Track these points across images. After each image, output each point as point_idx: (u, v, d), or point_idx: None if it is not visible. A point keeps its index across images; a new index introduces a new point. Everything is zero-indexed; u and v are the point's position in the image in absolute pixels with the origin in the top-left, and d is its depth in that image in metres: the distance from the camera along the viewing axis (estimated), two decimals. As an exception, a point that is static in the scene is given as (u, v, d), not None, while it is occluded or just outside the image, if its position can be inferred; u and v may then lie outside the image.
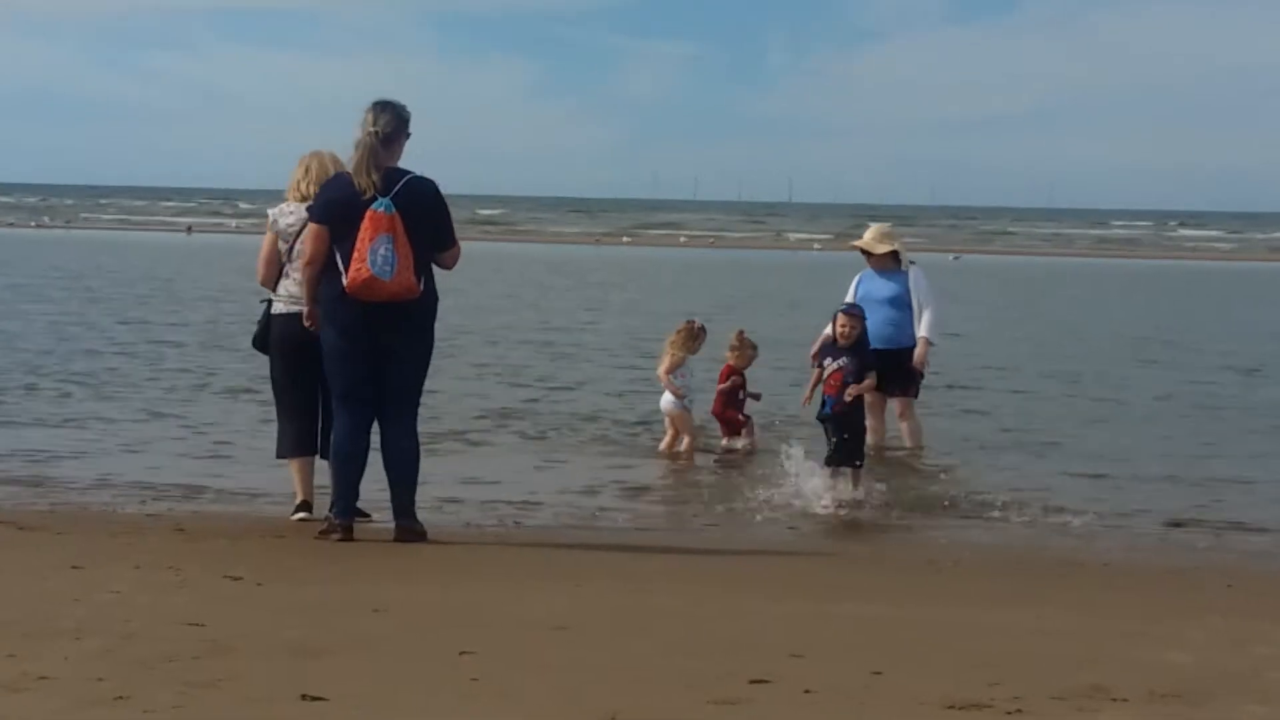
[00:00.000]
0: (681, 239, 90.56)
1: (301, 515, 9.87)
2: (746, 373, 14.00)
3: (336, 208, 9.11)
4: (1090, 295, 42.81)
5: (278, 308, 9.88)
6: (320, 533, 9.33)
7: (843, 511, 10.90)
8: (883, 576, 8.98)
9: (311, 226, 9.24)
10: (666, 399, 13.65)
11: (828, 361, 11.66)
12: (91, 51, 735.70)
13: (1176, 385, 19.52)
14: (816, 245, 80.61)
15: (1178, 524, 10.81)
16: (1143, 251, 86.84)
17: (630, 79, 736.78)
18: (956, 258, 66.84)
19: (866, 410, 13.81)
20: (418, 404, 9.47)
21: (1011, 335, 27.30)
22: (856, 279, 13.99)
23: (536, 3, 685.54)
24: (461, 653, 6.20)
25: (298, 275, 9.50)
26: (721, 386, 13.90)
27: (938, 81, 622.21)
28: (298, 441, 9.98)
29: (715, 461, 13.36)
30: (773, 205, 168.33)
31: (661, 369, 13.73)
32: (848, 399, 11.47)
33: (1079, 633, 7.26)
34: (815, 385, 11.82)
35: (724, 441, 13.85)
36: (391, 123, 9.22)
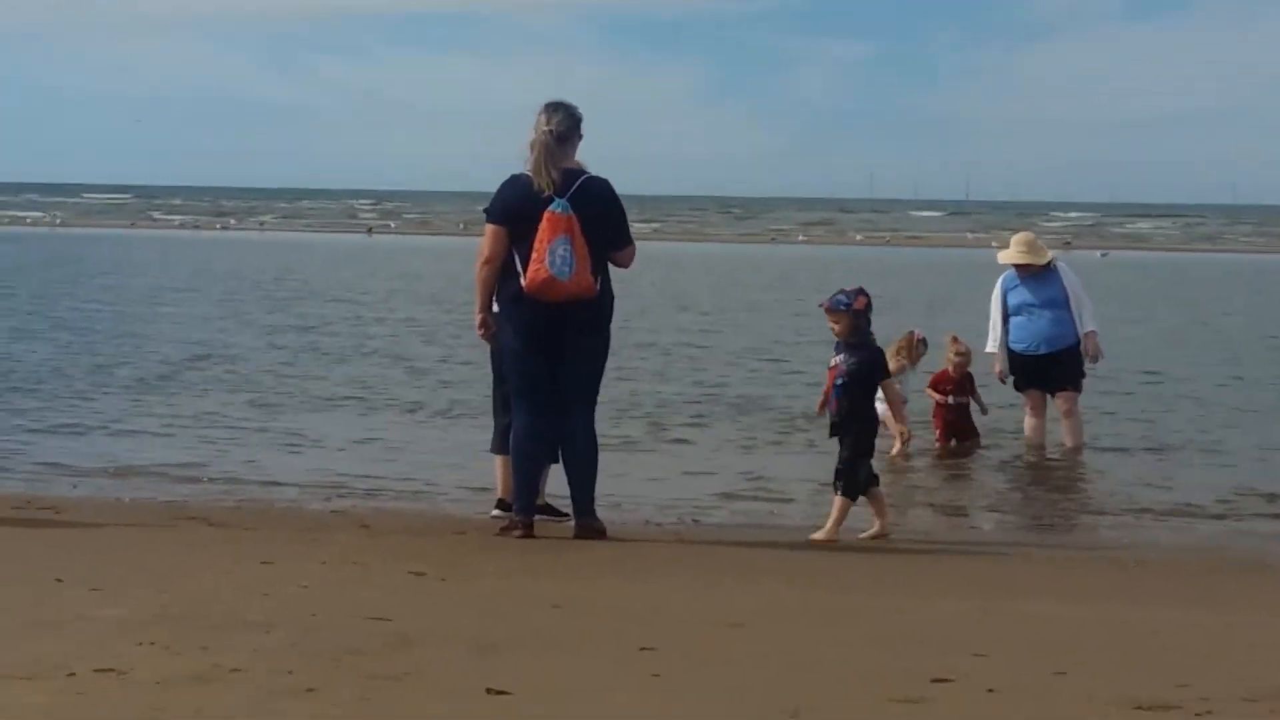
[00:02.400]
0: (857, 237, 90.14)
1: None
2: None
3: (514, 208, 9.18)
4: (1260, 293, 41.71)
5: None
6: (501, 529, 9.43)
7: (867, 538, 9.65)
8: (1066, 575, 8.85)
9: (489, 227, 9.31)
10: (880, 405, 13.47)
11: (832, 355, 9.89)
12: (263, 55, 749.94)
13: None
14: (994, 244, 79.80)
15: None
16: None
17: (801, 80, 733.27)
18: (1104, 254, 65.86)
19: (1028, 410, 13.62)
20: (595, 402, 9.52)
21: (1172, 336, 26.59)
22: (1001, 287, 13.69)
23: (704, 5, 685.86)
24: (642, 648, 6.23)
25: None
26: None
27: (1113, 79, 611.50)
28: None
29: (905, 461, 13.16)
30: (950, 203, 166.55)
31: None
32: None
33: (1270, 634, 7.11)
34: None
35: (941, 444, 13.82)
36: (565, 122, 9.28)
